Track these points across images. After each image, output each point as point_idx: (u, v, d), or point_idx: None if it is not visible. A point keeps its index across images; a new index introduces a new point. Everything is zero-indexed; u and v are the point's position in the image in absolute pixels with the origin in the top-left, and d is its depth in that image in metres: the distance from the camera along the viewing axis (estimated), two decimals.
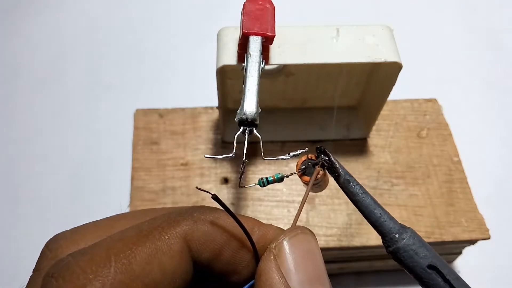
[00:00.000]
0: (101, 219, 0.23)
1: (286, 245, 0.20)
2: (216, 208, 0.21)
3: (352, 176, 0.23)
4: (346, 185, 0.23)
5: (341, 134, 0.43)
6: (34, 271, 0.21)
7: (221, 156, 0.24)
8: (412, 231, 0.22)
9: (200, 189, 0.22)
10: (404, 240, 0.21)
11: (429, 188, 0.40)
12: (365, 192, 0.23)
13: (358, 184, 0.23)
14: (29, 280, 0.20)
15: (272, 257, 0.20)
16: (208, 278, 0.21)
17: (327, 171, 0.24)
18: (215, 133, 0.43)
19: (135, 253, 0.18)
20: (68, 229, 0.22)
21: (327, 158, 0.23)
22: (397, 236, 0.21)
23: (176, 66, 0.60)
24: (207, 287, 0.22)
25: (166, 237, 0.19)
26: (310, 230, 0.22)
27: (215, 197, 0.20)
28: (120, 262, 0.18)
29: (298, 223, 0.33)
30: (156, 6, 0.66)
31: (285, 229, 0.22)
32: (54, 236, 0.22)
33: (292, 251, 0.20)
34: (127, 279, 0.17)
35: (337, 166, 0.23)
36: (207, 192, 0.21)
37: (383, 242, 0.22)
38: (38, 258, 0.21)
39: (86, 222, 0.23)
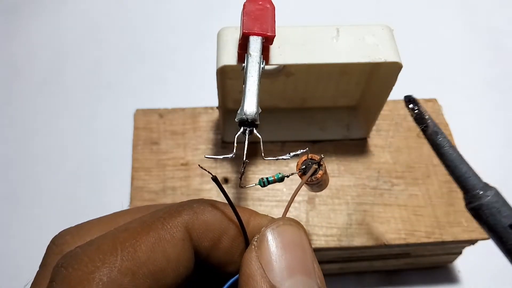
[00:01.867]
0: (105, 215, 0.23)
1: (267, 236, 0.20)
2: (215, 200, 0.22)
3: (440, 129, 0.22)
4: (434, 137, 0.22)
5: (341, 134, 0.43)
6: (40, 266, 0.21)
7: (221, 157, 0.24)
8: (496, 190, 0.21)
9: (202, 167, 0.22)
10: (489, 197, 0.21)
11: (429, 188, 0.40)
12: (452, 146, 0.22)
13: (445, 137, 0.22)
14: (36, 275, 0.21)
15: (252, 248, 0.20)
16: (206, 272, 0.22)
17: (325, 168, 0.24)
18: (215, 133, 0.43)
19: (140, 242, 0.19)
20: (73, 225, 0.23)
21: (416, 108, 0.23)
22: (481, 192, 0.21)
23: (176, 66, 0.60)
24: (205, 280, 0.23)
25: (169, 227, 0.20)
26: (296, 221, 0.22)
27: (214, 179, 0.21)
28: (126, 251, 0.18)
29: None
30: (156, 6, 0.66)
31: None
32: (59, 232, 0.22)
33: (273, 242, 0.20)
34: (133, 266, 0.18)
35: (426, 117, 0.22)
36: (209, 172, 0.21)
37: (465, 198, 0.21)
38: (45, 253, 0.22)
39: (90, 219, 0.23)
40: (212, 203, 0.22)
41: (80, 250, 0.19)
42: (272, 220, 0.22)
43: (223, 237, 0.21)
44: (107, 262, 0.18)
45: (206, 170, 0.22)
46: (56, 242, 0.22)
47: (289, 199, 0.39)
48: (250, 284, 0.19)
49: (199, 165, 0.23)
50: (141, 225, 0.20)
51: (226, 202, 0.21)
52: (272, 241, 0.20)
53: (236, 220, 0.21)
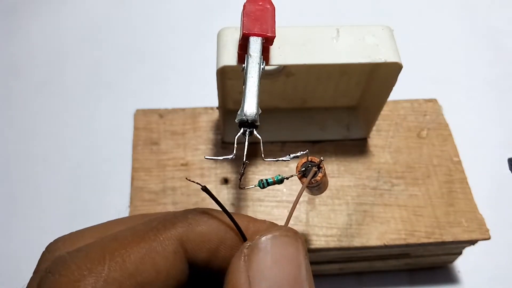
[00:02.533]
0: (98, 224, 0.23)
1: (259, 246, 0.19)
2: (210, 209, 0.22)
3: None
4: None
5: (341, 134, 0.43)
6: (34, 272, 0.21)
7: (221, 157, 0.24)
8: None
9: (190, 180, 0.22)
10: None
11: (429, 188, 0.40)
12: None
13: None
14: (29, 281, 0.21)
15: (242, 256, 0.19)
16: (206, 277, 0.22)
17: (324, 171, 0.24)
18: (215, 133, 0.43)
19: (129, 252, 0.19)
20: (67, 233, 0.23)
21: None
22: None
23: (176, 66, 0.60)
24: (206, 285, 0.22)
25: (161, 239, 0.20)
26: (294, 232, 0.20)
27: (204, 189, 0.20)
28: (114, 261, 0.18)
29: (299, 223, 0.33)
30: (156, 6, 0.66)
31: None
32: (54, 240, 0.22)
33: (265, 253, 0.19)
34: (120, 277, 0.18)
35: None
36: (197, 183, 0.21)
37: None
38: (39, 260, 0.22)
39: (85, 227, 0.23)
40: (208, 213, 0.21)
41: (68, 256, 0.18)
42: (269, 227, 0.21)
43: (221, 247, 0.21)
44: (94, 271, 0.18)
45: (195, 182, 0.21)
46: (49, 249, 0.22)
47: (288, 199, 0.39)
48: None
49: (186, 178, 0.23)
50: (132, 234, 0.20)
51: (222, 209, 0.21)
52: (263, 252, 0.19)
53: (233, 228, 0.21)
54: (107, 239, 0.19)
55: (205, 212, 0.21)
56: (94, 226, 0.23)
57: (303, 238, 0.20)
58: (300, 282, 0.19)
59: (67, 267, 0.18)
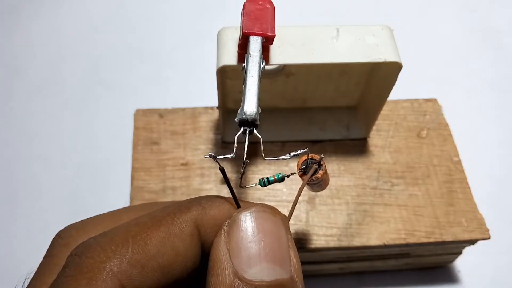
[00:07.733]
0: (108, 212, 0.24)
1: (237, 221, 0.20)
2: (222, 196, 0.23)
3: None
4: None
5: (341, 134, 0.43)
6: (45, 257, 0.22)
7: (221, 157, 0.24)
8: None
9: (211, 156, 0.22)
10: None
11: (429, 188, 0.40)
12: None
13: None
14: (40, 265, 0.22)
15: (222, 232, 0.20)
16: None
17: (325, 168, 0.24)
18: (215, 133, 0.43)
19: (150, 236, 0.20)
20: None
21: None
22: None
23: (176, 66, 0.60)
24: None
25: (178, 222, 0.21)
26: (272, 208, 0.21)
27: (222, 169, 0.21)
28: (137, 244, 0.19)
29: (299, 223, 0.33)
30: (156, 6, 0.66)
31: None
32: (65, 227, 0.23)
33: (243, 227, 0.20)
34: (143, 259, 0.19)
35: None
36: (217, 161, 0.22)
37: None
38: (50, 245, 0.23)
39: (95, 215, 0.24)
40: (220, 198, 0.22)
41: (93, 240, 0.19)
42: (247, 206, 0.22)
43: None
44: (118, 254, 0.19)
45: (216, 160, 0.22)
46: (61, 235, 0.23)
47: (289, 199, 0.39)
48: (215, 269, 0.19)
49: (208, 154, 0.23)
50: (151, 219, 0.21)
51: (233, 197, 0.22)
52: (242, 227, 0.20)
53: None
54: (129, 224, 0.20)
55: (217, 197, 0.23)
56: (104, 213, 0.24)
57: (283, 215, 0.22)
58: (280, 252, 0.20)
59: (93, 249, 0.19)
